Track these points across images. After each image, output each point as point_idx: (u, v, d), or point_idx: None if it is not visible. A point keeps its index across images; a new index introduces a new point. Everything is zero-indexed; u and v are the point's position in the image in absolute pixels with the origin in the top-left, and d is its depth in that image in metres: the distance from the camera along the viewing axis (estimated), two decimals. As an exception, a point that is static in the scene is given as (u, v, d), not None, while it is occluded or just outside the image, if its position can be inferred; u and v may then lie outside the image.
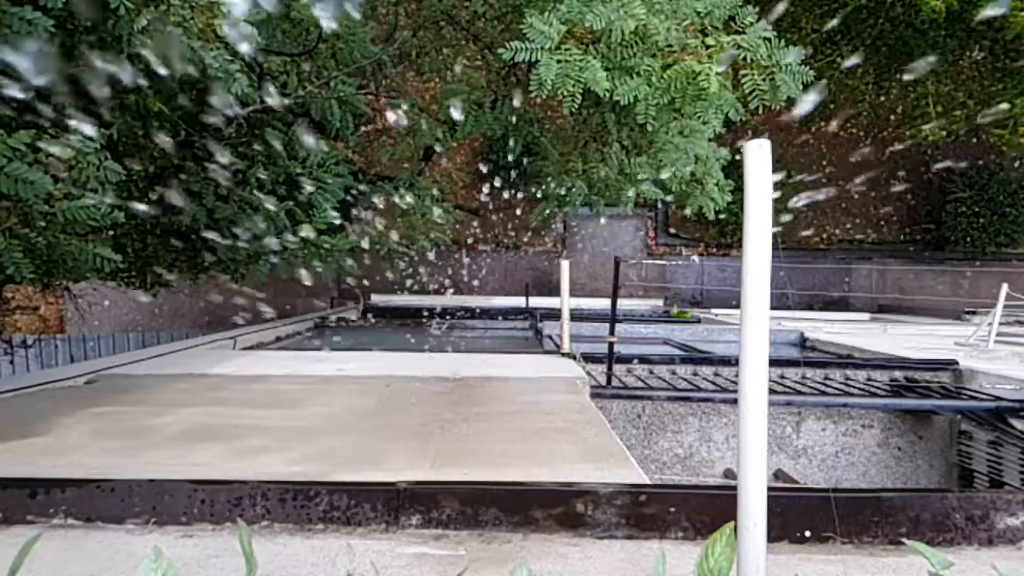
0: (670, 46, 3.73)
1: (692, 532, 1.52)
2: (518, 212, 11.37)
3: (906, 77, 9.10)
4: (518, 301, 9.17)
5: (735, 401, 1.57)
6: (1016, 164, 11.39)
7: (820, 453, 4.15)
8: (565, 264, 4.34)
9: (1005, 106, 8.10)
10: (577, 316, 6.32)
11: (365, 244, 4.66)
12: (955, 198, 11.00)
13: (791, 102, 3.76)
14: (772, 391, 3.78)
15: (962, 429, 3.90)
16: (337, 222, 4.25)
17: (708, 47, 3.71)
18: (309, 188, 4.13)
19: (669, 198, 5.65)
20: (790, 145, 11.90)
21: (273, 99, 3.79)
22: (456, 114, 5.13)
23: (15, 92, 2.32)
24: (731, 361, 4.44)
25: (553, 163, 5.77)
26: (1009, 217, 10.74)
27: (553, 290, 9.48)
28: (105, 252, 2.87)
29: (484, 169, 11.26)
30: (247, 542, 0.95)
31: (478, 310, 7.89)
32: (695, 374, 4.34)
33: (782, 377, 4.27)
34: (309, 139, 4.06)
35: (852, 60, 8.62)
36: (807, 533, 1.50)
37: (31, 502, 1.55)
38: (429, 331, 6.94)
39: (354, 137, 5.05)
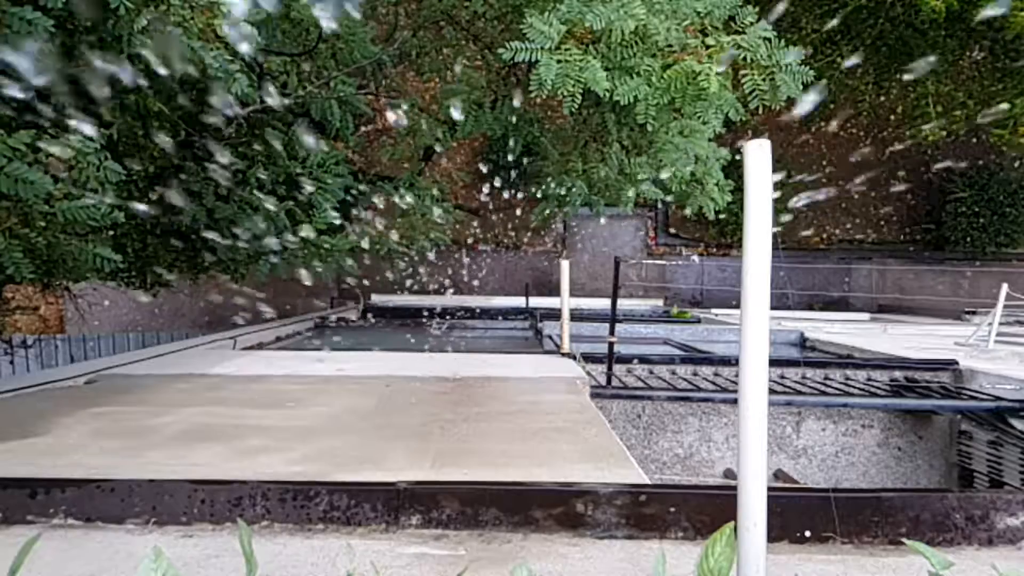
0: (670, 46, 3.73)
1: (692, 532, 1.52)
2: (518, 212, 11.37)
3: (906, 77, 9.10)
4: (518, 301, 9.17)
5: (735, 401, 1.57)
6: (1016, 164, 11.39)
7: (820, 453, 4.15)
8: (565, 264, 4.34)
9: (1005, 106, 8.10)
10: (577, 316, 6.32)
11: (365, 244, 4.66)
12: (955, 198, 11.01)
13: (791, 102, 3.76)
14: (772, 391, 3.78)
15: (962, 429, 3.90)
16: (337, 222, 4.25)
17: (708, 47, 3.71)
18: (309, 188, 4.13)
19: (669, 198, 5.65)
20: (790, 145, 11.90)
21: (273, 99, 3.79)
22: (456, 114, 5.14)
23: (15, 92, 2.32)
24: (731, 361, 4.44)
25: (553, 163, 5.77)
26: (1009, 217, 10.74)
27: (553, 290, 9.49)
28: (105, 252, 2.87)
29: (484, 169, 11.26)
30: (247, 542, 0.95)
31: (478, 310, 7.89)
32: (695, 374, 4.34)
33: (782, 377, 4.27)
34: (309, 139, 4.06)
35: (852, 60, 8.61)
36: (807, 533, 1.50)
37: (31, 502, 1.55)
38: (429, 331, 6.94)
39: (354, 137, 5.05)
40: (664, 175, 5.00)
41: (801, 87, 3.73)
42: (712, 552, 0.97)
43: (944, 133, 9.11)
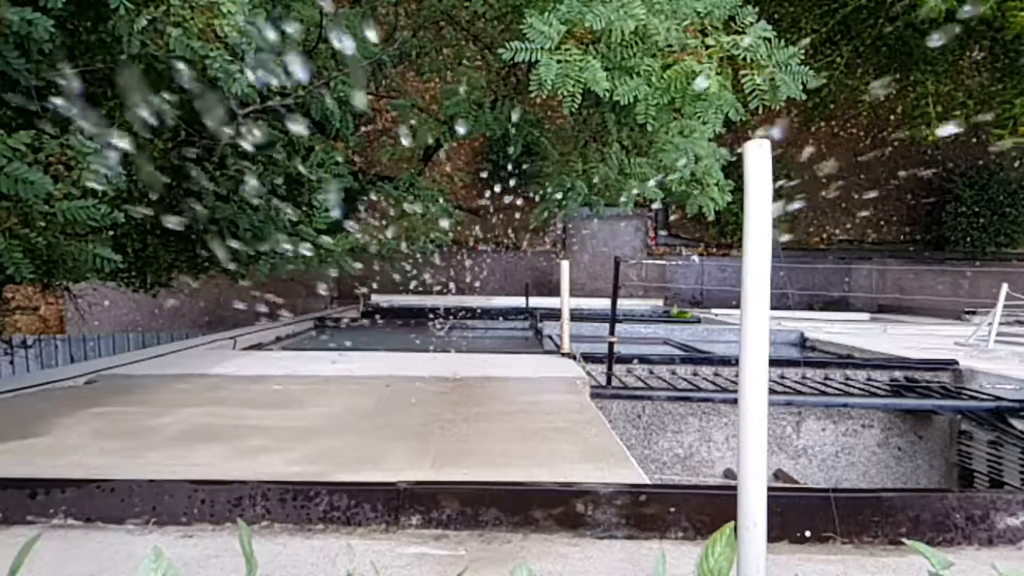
0: (670, 46, 3.73)
1: (692, 532, 1.52)
2: (518, 211, 11.37)
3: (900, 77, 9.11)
4: (518, 301, 9.17)
5: (735, 401, 1.57)
6: (1016, 164, 11.39)
7: (820, 453, 4.15)
8: (565, 264, 4.34)
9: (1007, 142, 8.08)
10: (577, 316, 6.32)
11: (362, 239, 4.66)
12: (955, 198, 11.01)
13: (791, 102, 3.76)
14: (772, 391, 3.78)
15: (962, 429, 3.90)
16: (337, 213, 4.24)
17: (708, 47, 3.71)
18: (309, 186, 4.13)
19: (669, 198, 5.65)
20: (790, 145, 11.90)
21: (273, 99, 3.79)
22: (461, 130, 5.15)
23: (15, 92, 2.32)
24: (731, 361, 4.44)
25: (553, 163, 5.77)
26: (1009, 217, 10.75)
27: (553, 290, 9.48)
28: (105, 252, 2.87)
29: (484, 170, 11.26)
30: (247, 542, 0.95)
31: (478, 310, 7.89)
32: (695, 374, 4.34)
33: (782, 377, 4.27)
34: (300, 129, 4.03)
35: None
36: (807, 533, 1.50)
37: (31, 502, 1.55)
38: (429, 331, 6.94)
39: (354, 137, 5.05)
40: (667, 177, 5.00)
41: (801, 87, 3.73)
42: (712, 552, 0.97)
43: (963, 127, 9.09)
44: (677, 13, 3.70)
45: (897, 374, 4.34)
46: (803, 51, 3.75)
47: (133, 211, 2.93)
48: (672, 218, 12.02)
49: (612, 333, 4.05)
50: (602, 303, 8.62)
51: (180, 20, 2.81)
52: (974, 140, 11.47)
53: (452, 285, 11.25)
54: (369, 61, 4.90)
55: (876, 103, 11.06)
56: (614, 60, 3.71)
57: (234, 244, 3.96)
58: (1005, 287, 5.27)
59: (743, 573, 1.04)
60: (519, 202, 10.77)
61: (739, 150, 1.11)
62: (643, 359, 4.37)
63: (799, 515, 1.50)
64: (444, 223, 5.93)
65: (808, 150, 11.91)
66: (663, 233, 12.14)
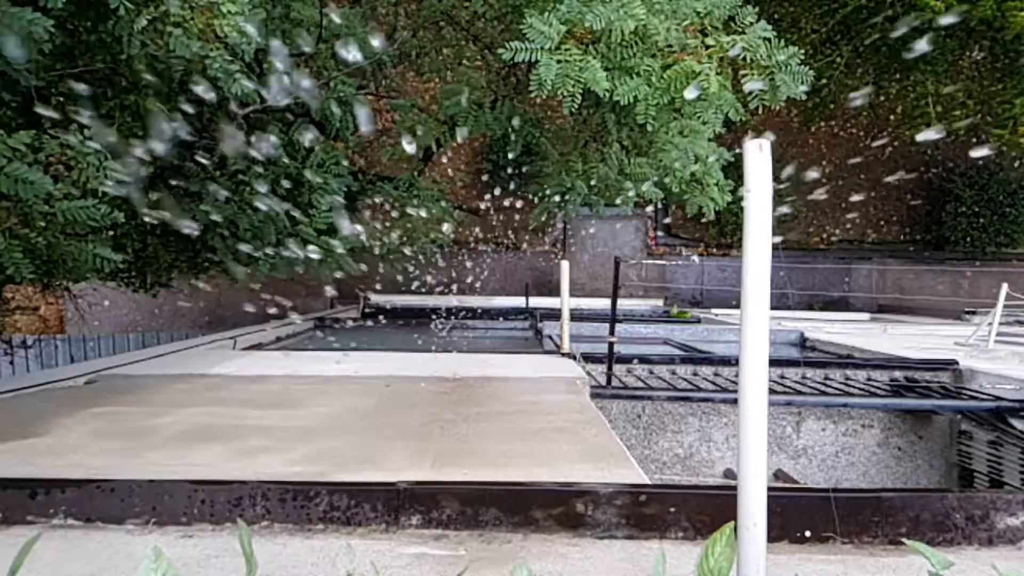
0: (670, 46, 3.73)
1: (692, 532, 1.52)
2: (517, 212, 11.37)
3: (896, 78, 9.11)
4: (518, 301, 9.17)
5: (735, 401, 1.57)
6: (1016, 164, 11.39)
7: (820, 453, 4.15)
8: (565, 264, 4.34)
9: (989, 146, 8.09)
10: (577, 316, 6.32)
11: (367, 242, 4.66)
12: (955, 198, 11.01)
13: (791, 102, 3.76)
14: (772, 391, 3.77)
15: (962, 429, 3.90)
16: (341, 203, 4.24)
17: (708, 47, 3.71)
18: (309, 186, 4.13)
19: (669, 198, 5.65)
20: (790, 145, 11.90)
21: (273, 99, 3.79)
22: (460, 137, 5.15)
23: (15, 92, 2.32)
24: (731, 361, 4.44)
25: (553, 163, 5.77)
26: (1009, 217, 10.75)
27: (553, 290, 9.48)
28: (105, 252, 2.87)
29: (484, 170, 11.26)
30: (247, 542, 0.95)
31: (479, 310, 7.89)
32: (695, 374, 4.34)
33: (782, 377, 4.27)
34: (307, 135, 4.05)
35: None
36: (807, 533, 1.50)
37: (31, 502, 1.55)
38: (429, 331, 6.94)
39: (354, 137, 5.05)
40: (667, 177, 5.01)
41: (801, 87, 3.73)
42: (712, 552, 0.97)
43: (944, 133, 9.11)
44: (677, 13, 3.70)
45: (897, 374, 4.34)
46: (803, 51, 3.75)
47: (150, 214, 2.93)
48: (671, 219, 12.02)
49: (612, 333, 4.05)
50: (602, 303, 8.62)
51: (180, 20, 2.81)
52: (974, 140, 11.48)
53: (453, 285, 11.25)
54: (369, 61, 4.90)
55: (876, 103, 11.06)
56: (614, 60, 3.71)
57: (242, 247, 3.96)
58: (1005, 287, 5.27)
59: (743, 573, 1.04)
60: (519, 203, 10.77)
61: (738, 150, 1.11)
62: (643, 359, 4.37)
63: (799, 515, 1.50)
64: (446, 227, 5.93)
65: (807, 150, 11.91)
66: (663, 233, 12.14)
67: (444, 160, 11.19)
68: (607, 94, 3.66)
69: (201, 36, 2.97)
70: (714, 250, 12.07)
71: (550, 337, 5.74)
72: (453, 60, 6.06)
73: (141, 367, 3.72)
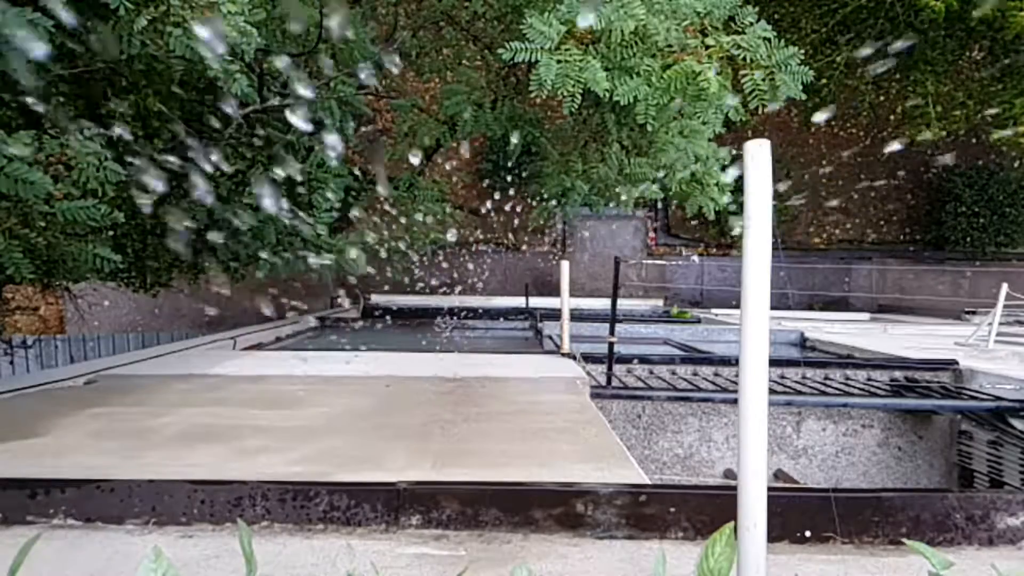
0: (670, 46, 3.73)
1: (692, 532, 1.52)
2: (518, 211, 11.37)
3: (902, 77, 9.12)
4: (518, 301, 9.17)
5: (735, 401, 1.57)
6: (1016, 164, 11.39)
7: (820, 453, 4.15)
8: (565, 264, 4.34)
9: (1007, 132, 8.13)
10: (577, 316, 6.32)
11: (376, 247, 4.66)
12: (955, 198, 11.01)
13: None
14: (772, 391, 3.77)
15: (962, 429, 3.90)
16: (341, 204, 4.24)
17: (708, 47, 3.71)
18: (307, 187, 4.13)
19: (669, 198, 5.66)
20: (790, 145, 11.91)
21: (273, 99, 3.79)
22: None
23: (15, 92, 2.32)
24: (731, 361, 4.44)
25: (553, 163, 5.77)
26: (1009, 217, 10.75)
27: (553, 290, 9.48)
28: (105, 252, 2.87)
29: (484, 170, 11.26)
30: (247, 542, 0.95)
31: (479, 310, 7.89)
32: (695, 374, 4.34)
33: (782, 377, 4.27)
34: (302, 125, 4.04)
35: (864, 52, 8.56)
36: (807, 533, 1.50)
37: (31, 502, 1.55)
38: (429, 331, 6.94)
39: (354, 137, 5.05)
40: (667, 177, 5.00)
41: (801, 87, 3.73)
42: (712, 552, 0.97)
43: (944, 133, 9.12)
44: (677, 13, 3.70)
45: (897, 374, 4.34)
46: (803, 51, 3.75)
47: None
48: (671, 219, 12.02)
49: (612, 333, 4.05)
50: (602, 303, 8.62)
51: (180, 20, 2.81)
52: (974, 140, 11.48)
53: (453, 286, 11.25)
54: (369, 61, 4.90)
55: (876, 103, 11.06)
56: (614, 60, 3.71)
57: (241, 248, 3.96)
58: (1005, 287, 5.27)
59: (743, 573, 1.04)
60: (519, 203, 10.77)
61: (737, 151, 1.11)
62: (643, 359, 4.37)
63: (799, 515, 1.50)
64: (451, 234, 5.93)
65: (807, 150, 11.91)
66: (663, 233, 12.14)
67: (448, 164, 11.18)
68: (607, 94, 3.66)
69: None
70: (714, 250, 12.07)
71: (550, 337, 5.74)
72: (453, 60, 6.06)
73: (141, 367, 3.72)
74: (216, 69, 2.94)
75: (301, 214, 4.04)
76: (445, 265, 11.21)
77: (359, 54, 4.73)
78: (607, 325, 4.15)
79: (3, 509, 1.55)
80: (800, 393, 3.84)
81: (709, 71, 3.55)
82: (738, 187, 5.62)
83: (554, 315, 6.61)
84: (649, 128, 4.13)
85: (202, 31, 2.65)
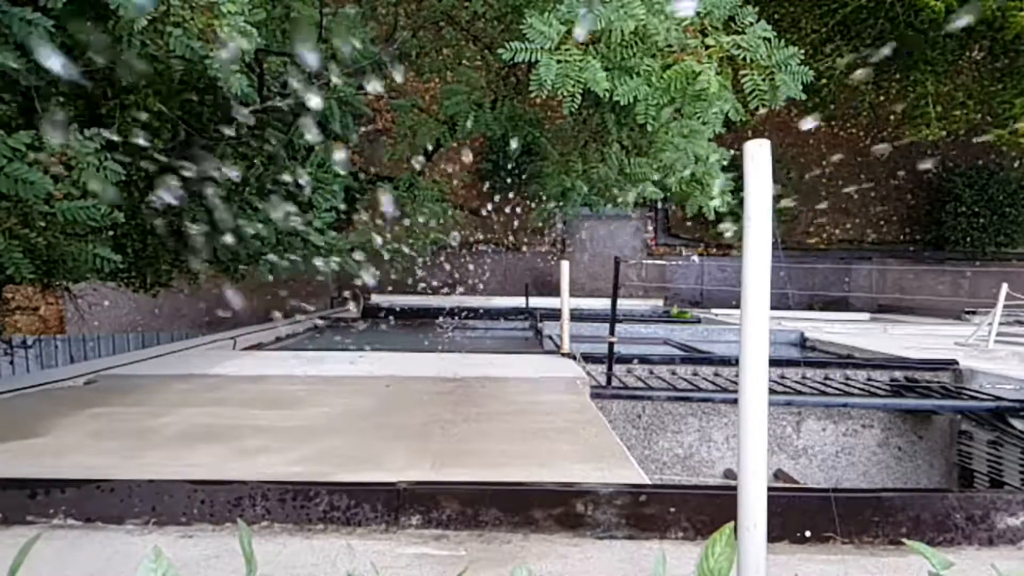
0: (670, 46, 3.73)
1: (692, 532, 1.52)
2: (518, 211, 11.37)
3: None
4: (518, 301, 9.17)
5: (735, 401, 1.57)
6: (1016, 164, 11.40)
7: (820, 453, 4.15)
8: (565, 264, 4.33)
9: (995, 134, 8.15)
10: (577, 316, 6.32)
11: (377, 244, 4.67)
12: (955, 198, 11.01)
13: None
14: (772, 391, 3.77)
15: (962, 429, 3.90)
16: (343, 205, 4.24)
17: (708, 47, 3.71)
18: (309, 188, 4.13)
19: (669, 198, 5.66)
20: (790, 145, 11.91)
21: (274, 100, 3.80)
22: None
23: (15, 92, 2.32)
24: (731, 361, 4.44)
25: (553, 163, 5.77)
26: (1009, 217, 10.75)
27: (553, 290, 9.48)
28: (105, 252, 2.87)
29: (484, 170, 11.26)
30: (247, 542, 0.95)
31: (480, 310, 7.89)
32: (695, 374, 4.34)
33: (782, 377, 4.27)
34: (312, 136, 4.06)
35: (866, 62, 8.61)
36: (807, 533, 1.50)
37: (31, 502, 1.55)
38: (429, 331, 6.94)
39: (354, 137, 5.05)
40: (667, 178, 5.00)
41: (801, 87, 3.73)
42: (712, 552, 0.97)
43: (944, 133, 9.12)
44: (677, 13, 3.70)
45: (897, 374, 4.34)
46: (803, 51, 3.75)
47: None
48: (671, 219, 12.02)
49: (612, 333, 4.05)
50: (602, 303, 8.62)
51: (180, 20, 2.81)
52: (974, 140, 11.48)
53: (453, 286, 11.25)
54: (369, 61, 4.90)
55: (876, 103, 11.06)
56: (614, 60, 3.71)
57: (241, 248, 3.96)
58: (1005, 287, 5.28)
59: (743, 573, 1.04)
60: (519, 204, 10.78)
61: (737, 151, 1.11)
62: (643, 359, 4.37)
63: (799, 515, 1.50)
64: (453, 237, 5.93)
65: (807, 150, 11.91)
66: (663, 233, 12.14)
67: (450, 168, 11.17)
68: (607, 94, 3.66)
69: (201, 36, 2.97)
70: (714, 250, 12.08)
71: (550, 337, 5.74)
72: (453, 60, 6.06)
73: (141, 367, 3.72)
74: (216, 69, 2.94)
75: (298, 217, 4.04)
76: (447, 267, 11.22)
77: (359, 54, 4.74)
78: (607, 325, 4.15)
79: (3, 509, 1.55)
80: (800, 393, 3.84)
81: (709, 71, 3.55)
82: (733, 189, 5.63)
83: (554, 315, 6.61)
84: (649, 128, 4.13)
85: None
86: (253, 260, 4.28)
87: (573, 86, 3.56)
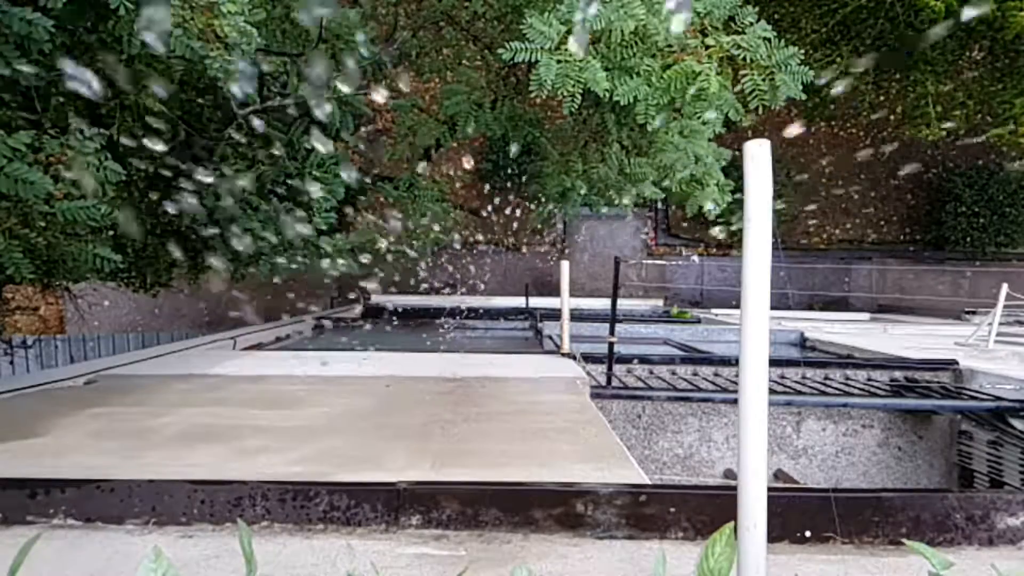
0: (670, 46, 3.73)
1: (692, 532, 1.52)
2: (518, 212, 11.37)
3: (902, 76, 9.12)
4: (518, 301, 9.17)
5: (735, 401, 1.57)
6: (1016, 164, 11.40)
7: (820, 453, 4.15)
8: (565, 264, 4.33)
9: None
10: (577, 316, 6.32)
11: (382, 246, 4.67)
12: (955, 198, 11.01)
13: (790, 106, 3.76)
14: (772, 391, 3.77)
15: (962, 429, 3.90)
16: (345, 200, 4.24)
17: (708, 47, 3.71)
18: (309, 188, 4.13)
19: (669, 198, 5.66)
20: (791, 145, 11.91)
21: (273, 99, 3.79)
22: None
23: (15, 92, 2.32)
24: (731, 361, 4.44)
25: (553, 163, 5.77)
26: (1009, 217, 10.75)
27: (553, 290, 9.48)
28: (105, 252, 2.87)
29: (484, 170, 11.26)
30: (247, 542, 0.95)
31: (480, 310, 7.89)
32: (695, 374, 4.34)
33: (782, 377, 4.27)
34: (317, 140, 4.06)
35: (859, 65, 8.64)
36: (807, 533, 1.50)
37: (31, 502, 1.55)
38: (429, 331, 6.94)
39: (354, 137, 5.04)
40: (667, 178, 5.00)
41: (801, 87, 3.73)
42: (712, 552, 0.97)
43: (944, 133, 9.12)
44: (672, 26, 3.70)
45: (897, 374, 4.34)
46: (803, 51, 3.75)
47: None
48: (671, 219, 12.02)
49: (612, 333, 4.05)
50: (602, 303, 8.62)
51: (180, 20, 2.81)
52: (974, 140, 11.48)
53: (454, 285, 11.25)
54: (369, 61, 4.90)
55: (876, 103, 11.06)
56: (614, 60, 3.71)
57: (241, 248, 3.96)
58: (1005, 287, 5.28)
59: (743, 573, 1.04)
60: (519, 204, 10.78)
61: (737, 151, 1.11)
62: (643, 359, 4.37)
63: (799, 515, 1.50)
64: (455, 238, 5.94)
65: (807, 150, 11.91)
66: (663, 233, 12.14)
67: (452, 171, 11.18)
68: (607, 94, 3.66)
69: (201, 36, 2.97)
70: (714, 250, 12.08)
71: (550, 337, 5.74)
72: (453, 60, 6.06)
73: (141, 367, 3.72)
74: (216, 69, 2.94)
75: (306, 223, 4.04)
76: (450, 268, 11.22)
77: (359, 54, 4.73)
78: (607, 325, 4.15)
79: (3, 509, 1.55)
80: (800, 393, 3.84)
81: (709, 71, 3.54)
82: (733, 189, 5.64)
83: (554, 315, 6.61)
84: (649, 128, 4.13)
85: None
86: (254, 260, 4.28)
87: (573, 86, 3.56)
